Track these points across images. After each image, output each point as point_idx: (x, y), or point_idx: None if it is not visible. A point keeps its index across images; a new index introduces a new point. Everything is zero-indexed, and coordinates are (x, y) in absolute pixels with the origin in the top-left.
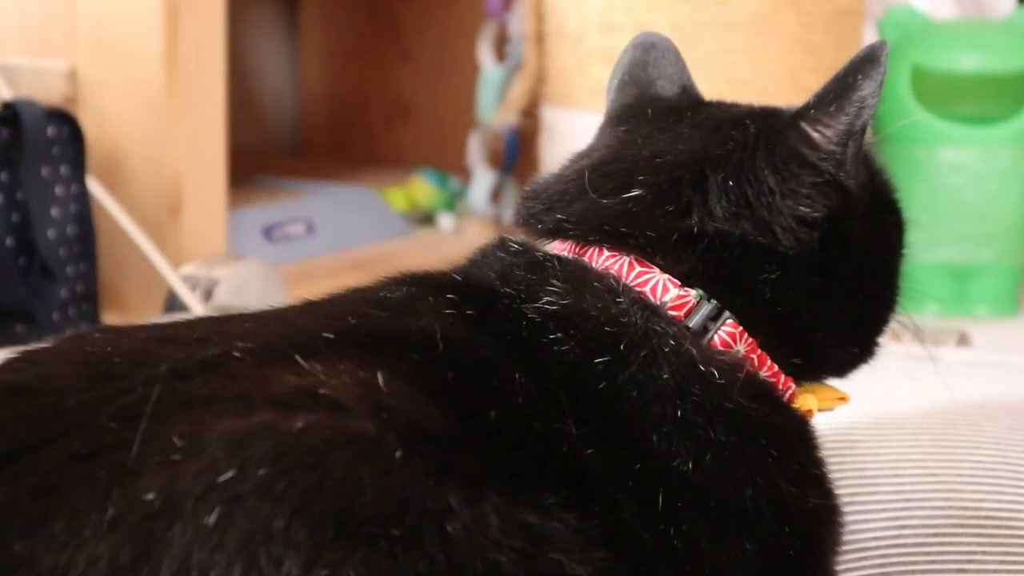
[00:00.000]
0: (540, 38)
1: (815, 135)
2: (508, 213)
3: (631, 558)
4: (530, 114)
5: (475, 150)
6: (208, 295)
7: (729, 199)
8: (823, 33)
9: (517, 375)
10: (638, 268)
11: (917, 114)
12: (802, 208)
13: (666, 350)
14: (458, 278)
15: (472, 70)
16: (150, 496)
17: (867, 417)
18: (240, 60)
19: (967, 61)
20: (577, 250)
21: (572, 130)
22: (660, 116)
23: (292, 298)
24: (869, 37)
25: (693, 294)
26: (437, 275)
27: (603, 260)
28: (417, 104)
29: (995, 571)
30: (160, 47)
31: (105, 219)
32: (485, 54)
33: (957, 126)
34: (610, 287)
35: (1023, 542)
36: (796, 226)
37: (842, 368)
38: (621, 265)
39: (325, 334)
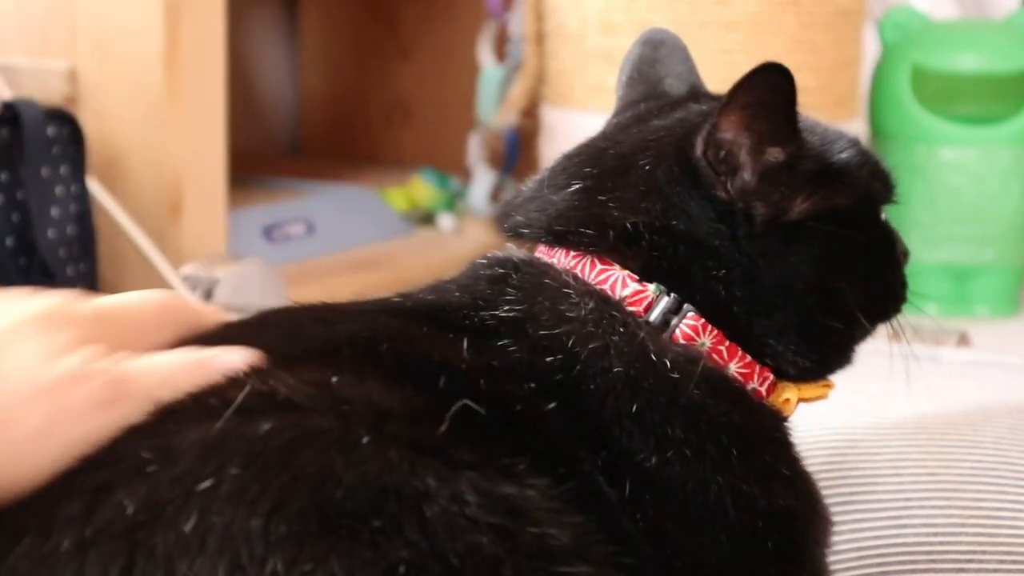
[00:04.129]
0: (540, 38)
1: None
2: None
3: (605, 520)
4: (530, 114)
5: (475, 150)
6: (208, 295)
7: (649, 190)
8: (823, 33)
9: (473, 364)
10: (600, 266)
11: (917, 114)
12: (712, 208)
13: (618, 341)
14: (419, 295)
15: (472, 70)
16: (130, 509)
17: (866, 416)
18: (240, 60)
19: (967, 61)
20: (546, 252)
21: (572, 130)
22: (649, 110)
23: (292, 298)
24: (869, 37)
25: (652, 288)
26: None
27: (568, 260)
28: (417, 104)
29: (995, 571)
30: (160, 47)
31: (105, 219)
32: (485, 54)
33: (957, 126)
34: (564, 284)
35: (1023, 542)
36: (715, 223)
37: (803, 375)
38: (583, 265)
39: (276, 345)
